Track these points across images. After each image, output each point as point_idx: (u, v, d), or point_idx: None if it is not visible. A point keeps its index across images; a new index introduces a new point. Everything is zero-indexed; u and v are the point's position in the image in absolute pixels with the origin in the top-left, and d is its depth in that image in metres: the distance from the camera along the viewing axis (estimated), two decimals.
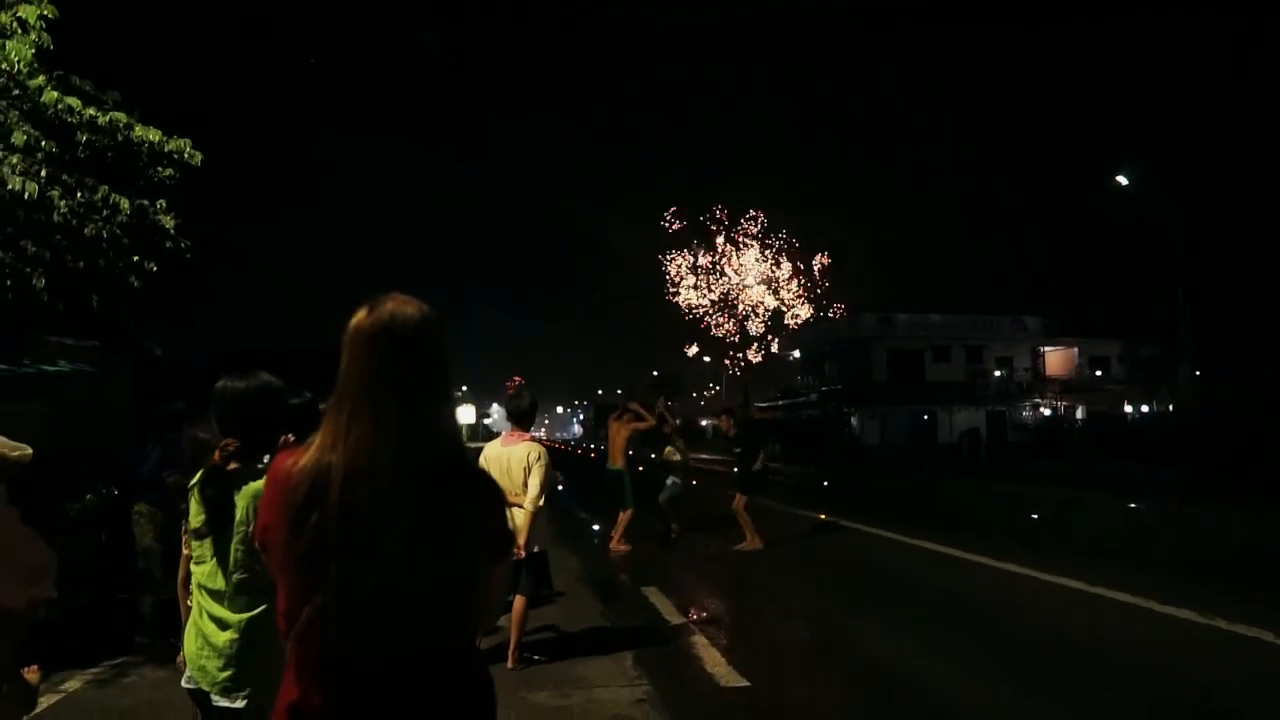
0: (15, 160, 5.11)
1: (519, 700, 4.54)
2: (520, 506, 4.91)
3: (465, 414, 44.27)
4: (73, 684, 4.94)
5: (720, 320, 46.71)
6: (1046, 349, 44.78)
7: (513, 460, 5.01)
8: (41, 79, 5.39)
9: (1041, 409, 42.25)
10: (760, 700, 4.72)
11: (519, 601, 5.09)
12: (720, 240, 46.44)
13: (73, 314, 6.11)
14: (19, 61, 5.22)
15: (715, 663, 5.31)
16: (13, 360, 7.20)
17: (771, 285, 46.15)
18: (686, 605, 7.00)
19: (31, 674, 1.91)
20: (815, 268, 45.64)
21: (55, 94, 5.35)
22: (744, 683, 4.91)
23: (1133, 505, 14.21)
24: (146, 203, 5.82)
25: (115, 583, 6.28)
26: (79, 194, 5.43)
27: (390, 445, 1.33)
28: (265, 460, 2.30)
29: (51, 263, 5.38)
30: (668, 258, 46.62)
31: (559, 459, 17.77)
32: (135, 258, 5.78)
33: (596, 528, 11.52)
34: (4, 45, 5.13)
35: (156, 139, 5.73)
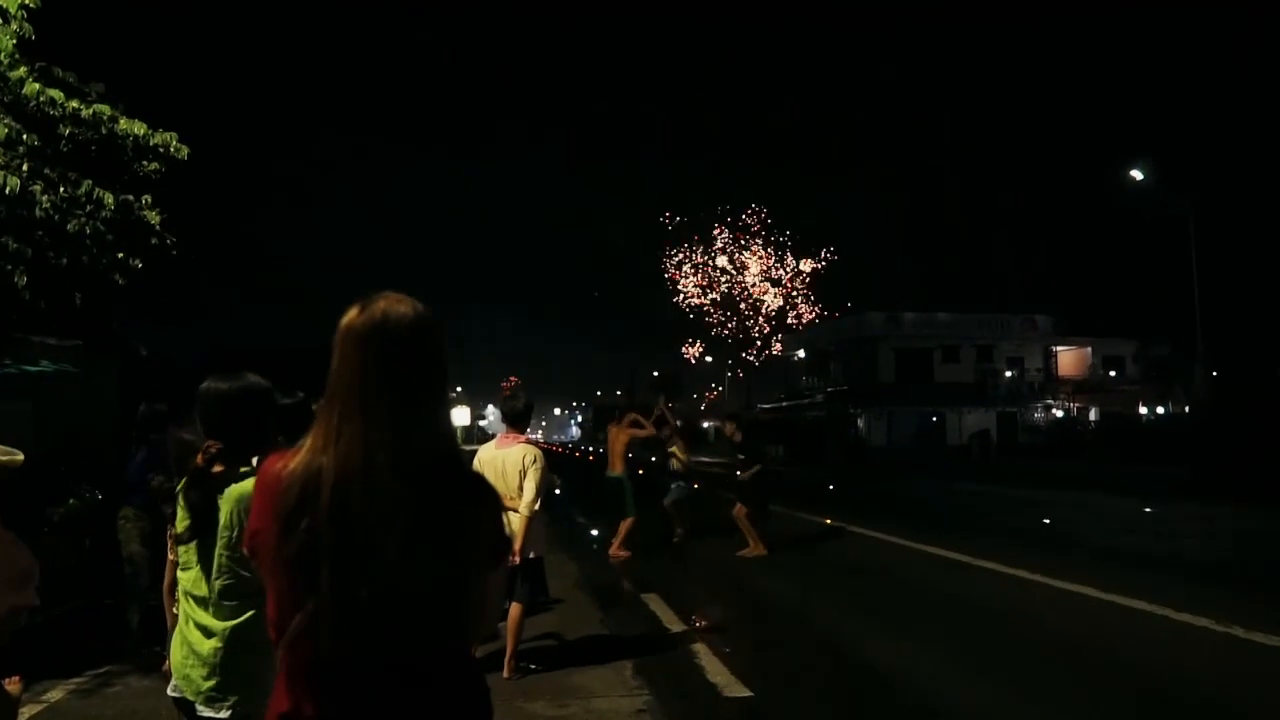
0: None
1: (515, 710, 4.45)
2: (515, 511, 4.80)
3: (460, 416, 44.22)
4: (55, 694, 4.85)
5: (722, 317, 46.65)
6: (1059, 348, 44.48)
7: (507, 463, 4.93)
8: (23, 70, 5.28)
9: (1054, 410, 41.96)
10: (763, 710, 4.63)
11: (514, 609, 5.01)
12: (722, 238, 46.37)
13: (56, 313, 6.01)
14: (0, 52, 5.10)
15: (717, 672, 5.22)
16: None
17: (774, 281, 46.05)
18: (688, 613, 6.89)
19: (12, 685, 1.88)
20: (819, 266, 45.53)
21: (37, 86, 5.24)
22: (747, 692, 4.83)
23: (1147, 509, 14.01)
24: (131, 198, 5.71)
25: (100, 589, 6.20)
26: (62, 189, 5.31)
27: (385, 446, 1.30)
28: (254, 463, 2.24)
29: (33, 260, 5.25)
30: (669, 255, 46.59)
31: (556, 462, 17.60)
32: (120, 254, 5.65)
33: (595, 533, 11.42)
34: None
35: (142, 132, 5.62)
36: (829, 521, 12.64)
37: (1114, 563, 8.70)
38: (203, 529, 2.20)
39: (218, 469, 2.22)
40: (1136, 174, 25.46)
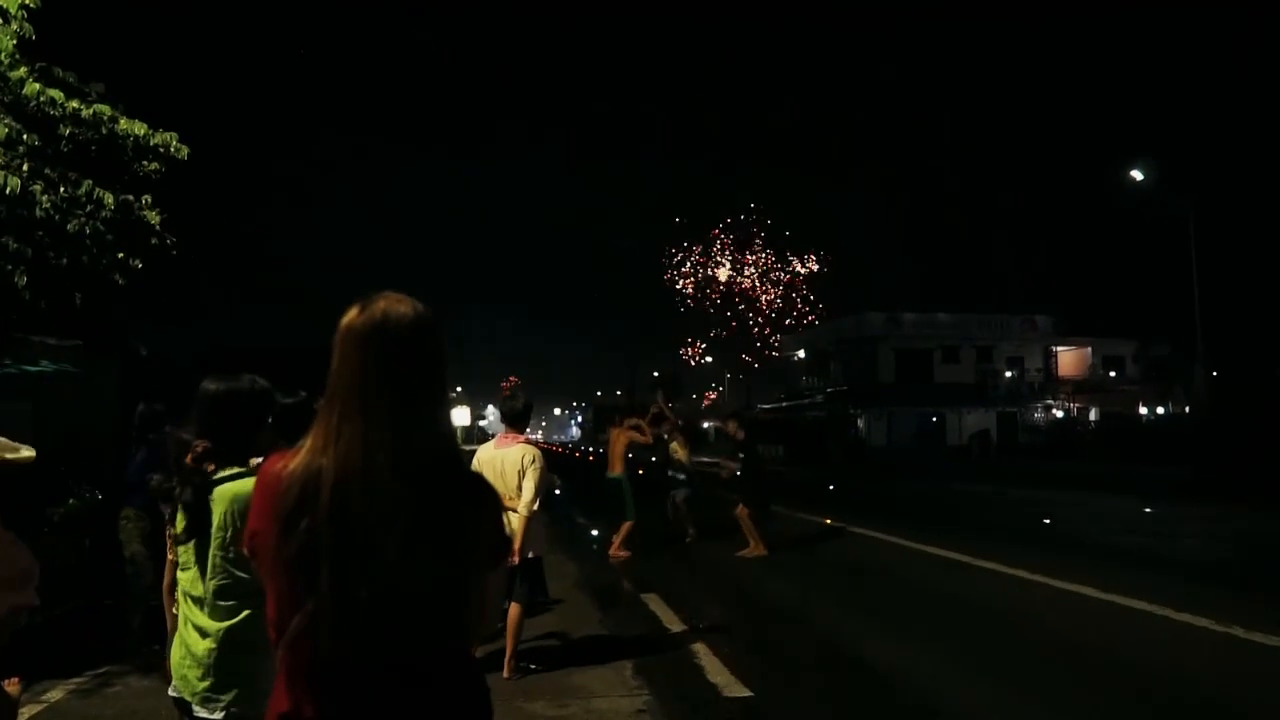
0: None
1: (515, 710, 4.45)
2: (514, 511, 4.78)
3: (460, 416, 44.17)
4: (55, 694, 4.84)
5: (722, 318, 46.64)
6: (1059, 349, 44.44)
7: (506, 463, 4.92)
8: (23, 70, 5.28)
9: (1054, 410, 41.92)
10: (763, 710, 4.61)
11: (514, 609, 5.00)
12: (723, 239, 46.36)
13: (56, 313, 6.01)
14: (0, 52, 5.10)
15: (717, 672, 5.21)
16: None
17: (774, 282, 46.03)
18: (688, 613, 6.87)
19: (11, 686, 1.88)
20: (818, 267, 45.52)
21: (37, 86, 5.23)
22: (746, 692, 4.81)
23: (1147, 509, 14.00)
24: (131, 198, 5.70)
25: (100, 589, 6.19)
26: (62, 189, 5.31)
27: (385, 446, 1.30)
28: (254, 464, 2.25)
29: (33, 260, 5.24)
30: (670, 255, 46.57)
31: (556, 462, 17.64)
32: (120, 254, 5.65)
33: (595, 533, 11.40)
34: None
35: (142, 132, 5.61)
36: (829, 522, 12.62)
37: (1114, 563, 8.69)
38: (196, 529, 2.19)
39: (209, 468, 2.22)
40: (1136, 174, 25.43)
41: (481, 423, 65.14)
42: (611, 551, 9.85)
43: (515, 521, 4.77)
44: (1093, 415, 40.15)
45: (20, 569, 1.73)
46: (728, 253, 46.75)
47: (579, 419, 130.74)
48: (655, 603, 7.26)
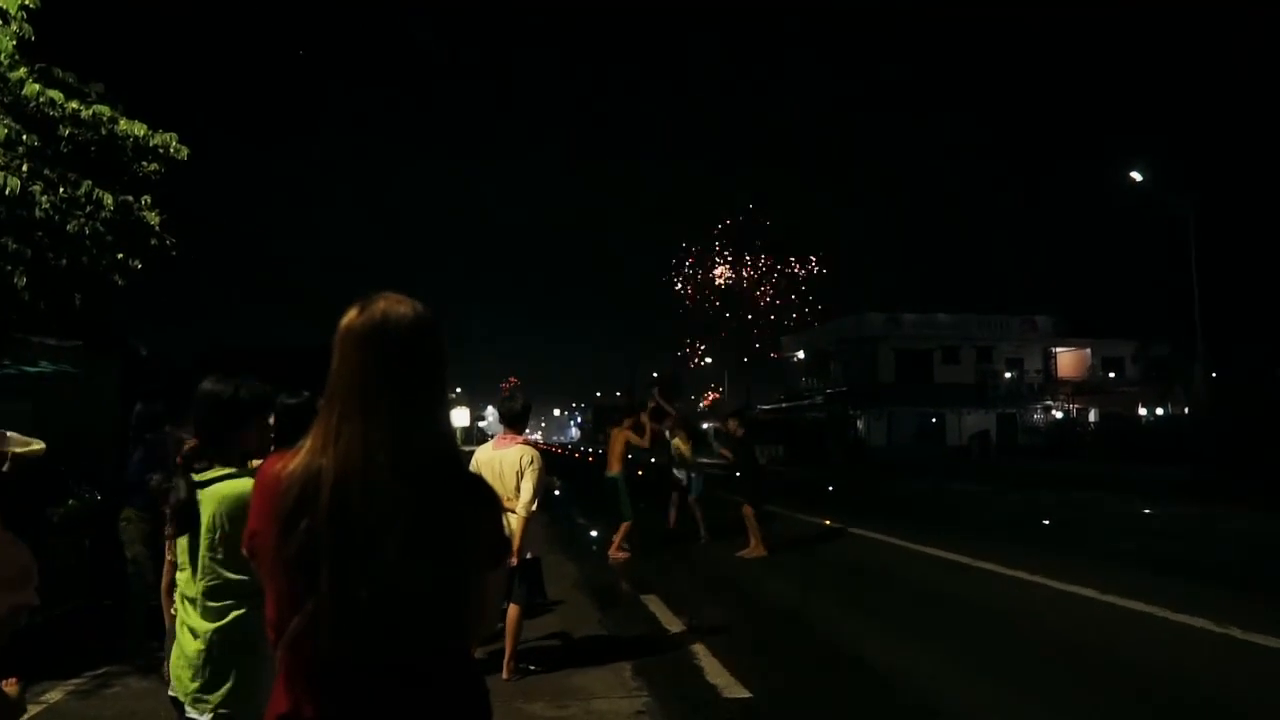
0: None
1: (515, 710, 4.44)
2: (513, 512, 4.78)
3: (460, 416, 44.14)
4: (54, 694, 4.84)
5: (721, 319, 46.64)
6: (1058, 349, 44.47)
7: (505, 464, 4.92)
8: (23, 71, 5.27)
9: (1053, 411, 41.93)
10: (763, 711, 4.61)
11: (513, 610, 5.00)
12: (723, 239, 46.37)
13: (55, 313, 6.00)
14: (0, 53, 5.09)
15: (717, 673, 5.20)
16: None
17: (774, 283, 46.05)
18: (688, 613, 6.87)
19: (10, 687, 1.87)
20: (817, 268, 45.54)
21: (37, 86, 5.22)
22: (746, 694, 4.81)
23: (1147, 510, 14.00)
24: (131, 199, 5.70)
25: (99, 589, 6.18)
26: (61, 189, 5.30)
27: (385, 446, 1.30)
28: (254, 465, 2.26)
29: (33, 260, 5.24)
30: (677, 264, 46.61)
31: (556, 463, 17.65)
32: (119, 255, 5.64)
33: (595, 534, 11.39)
34: None
35: (141, 133, 5.60)
36: (829, 522, 12.62)
37: (1114, 563, 8.68)
38: (186, 528, 2.19)
39: (199, 467, 2.22)
40: (1136, 174, 25.44)
41: (481, 423, 65.10)
42: (611, 552, 9.85)
43: (514, 522, 4.76)
44: (1092, 416, 40.15)
45: (20, 569, 1.74)
46: (728, 253, 46.79)
47: (579, 419, 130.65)
48: (655, 603, 7.25)
